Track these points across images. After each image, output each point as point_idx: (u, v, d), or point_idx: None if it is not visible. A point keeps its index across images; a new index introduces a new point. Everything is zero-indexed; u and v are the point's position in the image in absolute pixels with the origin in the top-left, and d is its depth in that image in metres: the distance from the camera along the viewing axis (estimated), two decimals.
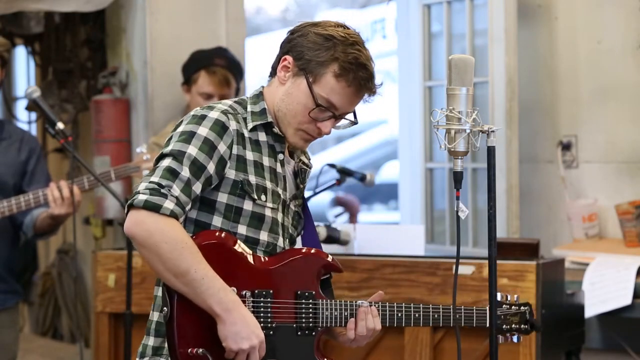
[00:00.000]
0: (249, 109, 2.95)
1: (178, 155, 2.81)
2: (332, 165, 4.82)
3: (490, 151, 2.78)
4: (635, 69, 5.53)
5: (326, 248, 4.45)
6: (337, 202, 12.61)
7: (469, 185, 5.89)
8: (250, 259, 2.87)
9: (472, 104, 2.78)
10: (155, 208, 2.74)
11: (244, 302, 2.81)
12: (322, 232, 4.46)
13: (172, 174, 2.79)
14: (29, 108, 6.95)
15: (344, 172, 4.79)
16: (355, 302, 2.99)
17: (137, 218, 2.75)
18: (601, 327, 5.37)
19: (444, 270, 4.27)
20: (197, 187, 2.81)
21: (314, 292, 2.93)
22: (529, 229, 5.80)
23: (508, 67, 5.63)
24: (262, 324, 2.83)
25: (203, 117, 2.86)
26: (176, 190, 2.77)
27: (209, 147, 2.82)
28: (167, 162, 2.81)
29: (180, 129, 2.87)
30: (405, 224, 6.66)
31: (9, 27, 6.46)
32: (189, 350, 2.77)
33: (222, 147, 2.85)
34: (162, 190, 2.76)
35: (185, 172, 2.79)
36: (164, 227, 2.73)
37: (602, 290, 4.88)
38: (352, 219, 12.12)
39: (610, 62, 5.60)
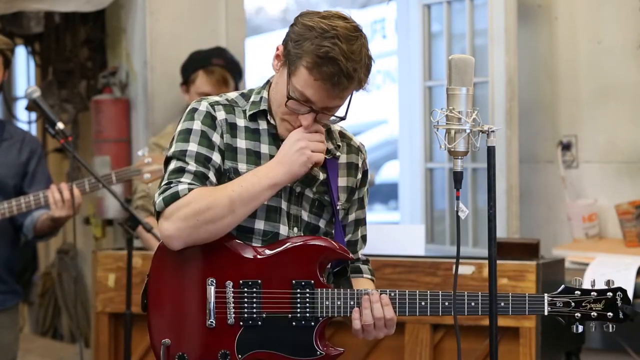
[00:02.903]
0: (251, 99, 2.96)
1: (180, 156, 2.85)
2: None
3: (490, 151, 2.77)
4: (635, 69, 5.53)
5: None
6: None
7: (469, 185, 5.89)
8: (240, 248, 2.85)
9: (472, 104, 2.77)
10: (173, 198, 2.77)
11: (224, 292, 2.83)
12: None
13: (179, 171, 2.83)
14: (29, 108, 6.95)
15: None
16: (363, 290, 2.90)
17: (164, 214, 2.79)
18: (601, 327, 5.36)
19: (444, 270, 4.27)
20: (209, 173, 2.84)
21: (312, 281, 2.86)
22: (529, 229, 5.80)
23: (508, 67, 5.63)
24: (246, 315, 2.82)
25: (194, 111, 2.90)
26: (187, 177, 2.81)
27: (207, 140, 2.86)
28: (172, 165, 2.86)
29: (179, 128, 2.91)
30: (405, 224, 6.65)
31: (9, 27, 6.46)
32: (162, 340, 2.83)
33: (216, 138, 2.87)
34: (172, 185, 2.81)
35: (191, 167, 2.83)
36: (190, 203, 2.76)
37: None
38: None
39: (610, 62, 5.60)
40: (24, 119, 7.27)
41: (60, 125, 4.28)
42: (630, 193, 5.47)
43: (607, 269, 4.98)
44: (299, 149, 2.83)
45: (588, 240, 5.52)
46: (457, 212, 2.79)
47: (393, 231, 4.90)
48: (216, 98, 2.95)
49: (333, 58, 2.76)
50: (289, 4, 18.72)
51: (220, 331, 2.83)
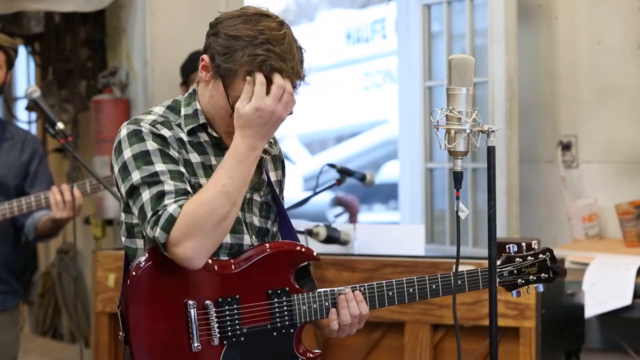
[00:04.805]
0: (182, 112, 2.82)
1: (151, 181, 2.68)
2: (332, 165, 4.82)
3: (490, 151, 2.77)
4: (635, 69, 5.53)
5: (326, 248, 4.48)
6: (337, 202, 12.61)
7: (469, 185, 5.89)
8: (212, 266, 2.74)
9: (472, 104, 2.78)
10: (170, 223, 2.61)
11: (206, 312, 2.72)
12: (322, 232, 4.46)
13: (160, 197, 2.66)
14: (29, 108, 6.96)
15: (344, 172, 4.79)
16: (336, 290, 2.86)
17: (171, 242, 2.62)
18: (601, 327, 5.37)
19: (443, 270, 4.25)
20: (188, 187, 2.69)
21: (287, 288, 2.80)
22: (529, 229, 5.80)
23: (508, 67, 5.64)
24: (230, 332, 2.73)
25: (138, 132, 2.75)
26: (170, 197, 2.65)
27: (168, 157, 2.71)
28: (146, 194, 2.68)
29: (127, 155, 2.76)
30: (405, 224, 6.66)
31: (9, 27, 6.46)
32: None
33: (174, 154, 2.73)
34: (160, 212, 2.63)
35: (169, 186, 2.67)
36: (188, 218, 2.60)
37: (602, 291, 4.88)
38: (352, 219, 12.12)
39: (610, 62, 5.60)
40: (24, 119, 7.27)
41: (60, 125, 4.28)
42: (630, 193, 5.47)
43: (607, 269, 4.98)
44: (255, 110, 2.68)
45: (588, 240, 5.52)
46: (457, 212, 2.79)
47: (393, 231, 4.91)
48: (150, 117, 2.78)
49: (271, 66, 2.67)
50: (289, 4, 18.73)
51: (206, 353, 2.73)
